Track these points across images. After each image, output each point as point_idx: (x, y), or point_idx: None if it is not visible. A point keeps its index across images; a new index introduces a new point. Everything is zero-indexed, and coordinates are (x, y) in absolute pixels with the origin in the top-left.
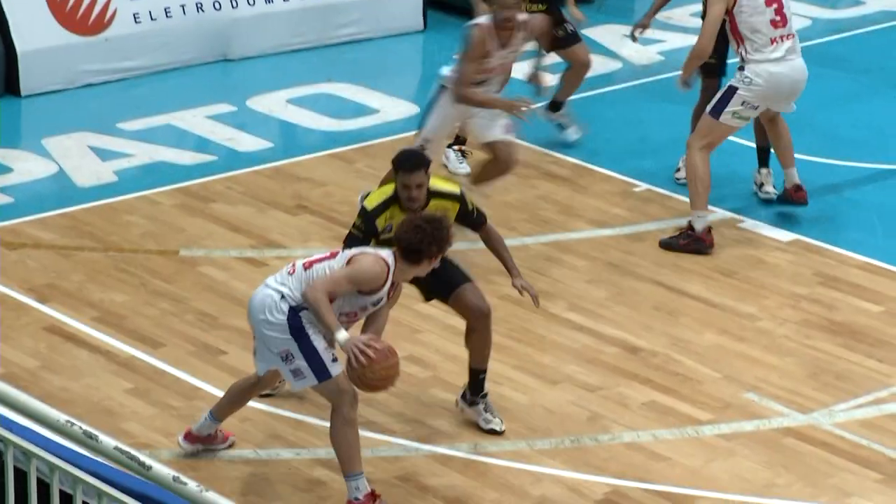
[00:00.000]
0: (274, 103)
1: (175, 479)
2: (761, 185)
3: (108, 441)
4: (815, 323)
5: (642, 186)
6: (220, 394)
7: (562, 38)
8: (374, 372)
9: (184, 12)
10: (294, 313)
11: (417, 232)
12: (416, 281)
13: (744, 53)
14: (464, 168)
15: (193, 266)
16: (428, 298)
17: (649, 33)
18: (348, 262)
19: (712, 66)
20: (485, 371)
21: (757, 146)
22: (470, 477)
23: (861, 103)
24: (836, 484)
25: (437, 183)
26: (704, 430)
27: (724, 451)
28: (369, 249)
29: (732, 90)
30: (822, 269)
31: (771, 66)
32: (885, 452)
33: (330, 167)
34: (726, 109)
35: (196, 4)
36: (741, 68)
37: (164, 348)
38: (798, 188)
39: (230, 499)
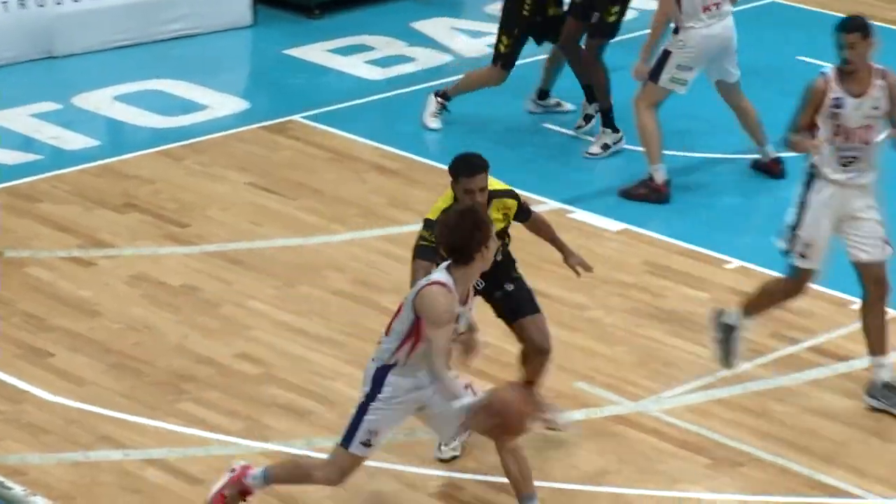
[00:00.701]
0: (101, 101)
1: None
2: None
3: None
4: (643, 311)
5: None
6: (48, 396)
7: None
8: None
9: (6, 8)
10: (381, 373)
11: (454, 232)
12: (488, 297)
13: (678, 19)
14: (435, 123)
15: (19, 267)
16: (498, 315)
17: (478, 26)
18: (416, 311)
19: (582, 11)
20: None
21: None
22: None
23: (687, 95)
24: (665, 470)
25: (491, 184)
26: None
27: (556, 441)
28: (422, 283)
29: (667, 53)
30: (650, 257)
31: (704, 30)
32: (713, 437)
33: (158, 164)
34: (664, 73)
35: (18, 0)
36: (675, 31)
37: None
38: (776, 161)
39: (57, 503)
